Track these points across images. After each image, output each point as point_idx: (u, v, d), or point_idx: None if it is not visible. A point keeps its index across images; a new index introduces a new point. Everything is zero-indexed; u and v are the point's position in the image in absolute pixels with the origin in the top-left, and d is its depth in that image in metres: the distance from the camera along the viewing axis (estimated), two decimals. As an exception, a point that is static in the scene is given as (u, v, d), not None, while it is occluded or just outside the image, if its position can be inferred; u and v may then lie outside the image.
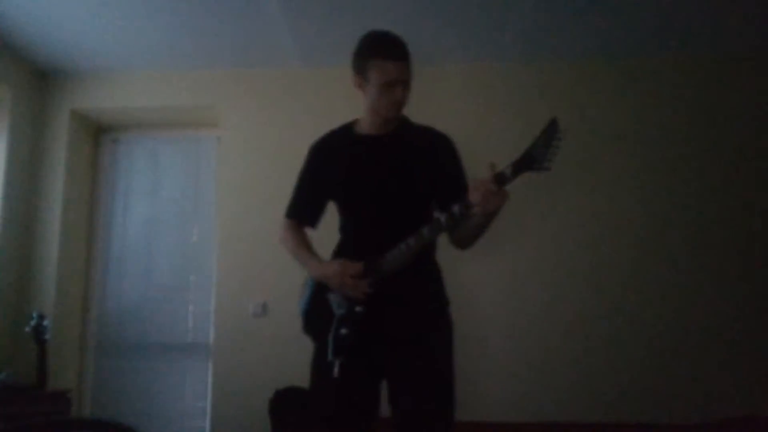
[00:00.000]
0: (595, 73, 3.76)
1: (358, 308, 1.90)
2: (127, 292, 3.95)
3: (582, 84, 3.74)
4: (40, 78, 3.91)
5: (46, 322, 3.28)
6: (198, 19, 3.40)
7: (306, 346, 3.50)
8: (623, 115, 3.70)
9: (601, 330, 3.48)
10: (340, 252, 2.05)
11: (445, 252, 2.05)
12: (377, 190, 1.98)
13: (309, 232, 2.18)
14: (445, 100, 3.66)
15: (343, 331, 1.91)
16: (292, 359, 3.46)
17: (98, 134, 4.19)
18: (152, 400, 3.78)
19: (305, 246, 2.12)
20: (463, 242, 1.99)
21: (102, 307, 3.97)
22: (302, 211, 2.17)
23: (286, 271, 3.66)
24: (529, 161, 1.73)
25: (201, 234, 3.99)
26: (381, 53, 1.91)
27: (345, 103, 3.71)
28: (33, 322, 3.27)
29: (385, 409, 1.96)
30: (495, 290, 3.56)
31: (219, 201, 3.86)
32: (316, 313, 2.01)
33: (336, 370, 1.89)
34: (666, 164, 3.64)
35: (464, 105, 3.70)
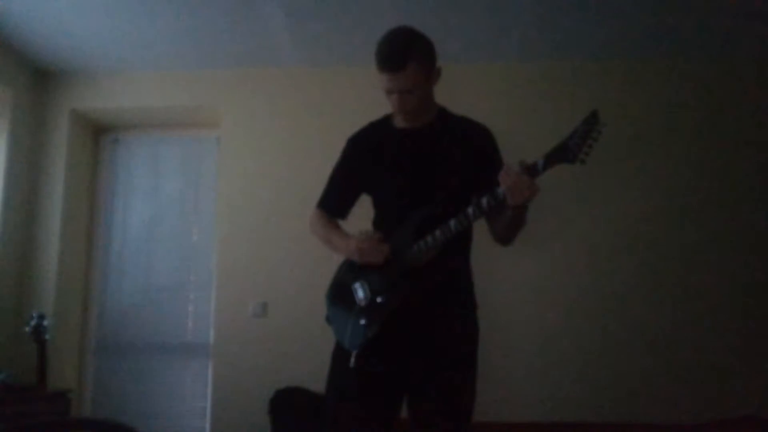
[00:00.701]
0: (599, 73, 3.75)
1: (379, 299, 1.88)
2: (127, 292, 3.95)
3: (585, 84, 3.73)
4: (40, 78, 3.90)
5: (46, 322, 3.28)
6: (198, 19, 3.39)
7: (306, 346, 3.53)
8: (631, 116, 3.69)
9: (606, 330, 3.48)
10: None
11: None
12: (411, 183, 1.96)
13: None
14: (447, 101, 3.66)
15: (363, 321, 1.89)
16: (292, 359, 3.49)
17: (98, 134, 4.18)
18: (152, 400, 3.78)
19: (332, 225, 2.09)
20: (501, 238, 1.95)
21: (102, 307, 3.96)
22: (334, 203, 2.15)
23: (286, 271, 3.70)
24: (563, 153, 1.68)
25: (201, 234, 3.99)
26: (377, 64, 1.89)
27: (345, 102, 3.75)
28: (33, 322, 3.27)
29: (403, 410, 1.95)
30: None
31: (219, 201, 3.86)
32: (340, 304, 1.99)
33: (352, 360, 1.86)
34: (669, 164, 3.64)
35: (465, 105, 3.69)
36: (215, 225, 3.87)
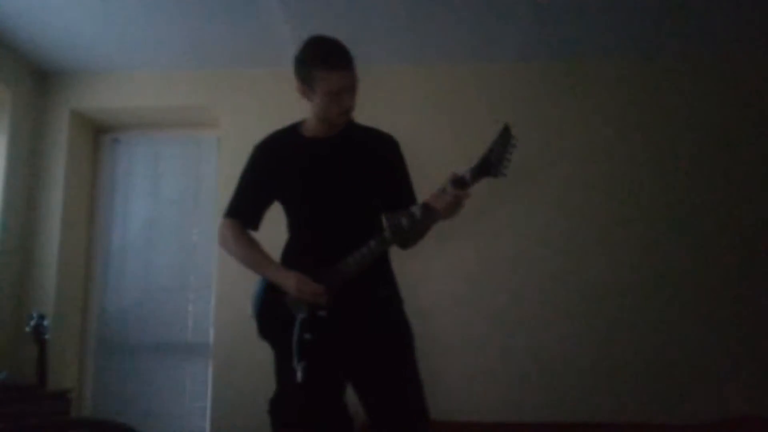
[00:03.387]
0: (591, 73, 3.74)
1: (321, 312, 1.91)
2: (127, 292, 3.95)
3: (578, 84, 3.73)
4: (40, 78, 3.91)
5: (46, 322, 3.28)
6: (197, 19, 3.39)
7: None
8: (620, 116, 3.70)
9: (594, 329, 3.48)
10: (289, 252, 2.07)
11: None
12: (324, 192, 2.00)
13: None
14: (448, 101, 3.66)
15: (307, 335, 1.91)
16: (292, 359, 3.48)
17: (98, 134, 4.19)
18: (152, 400, 3.78)
19: (258, 249, 2.11)
20: (412, 243, 2.03)
21: (102, 307, 3.97)
22: (245, 212, 2.15)
23: (286, 271, 3.68)
24: (487, 167, 1.80)
25: (201, 234, 3.99)
26: (325, 64, 1.91)
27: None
28: (33, 322, 3.26)
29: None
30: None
31: (219, 201, 3.85)
32: (273, 317, 2.02)
33: (300, 375, 1.89)
34: (664, 163, 3.63)
35: (464, 105, 3.69)
36: (215, 225, 3.85)
